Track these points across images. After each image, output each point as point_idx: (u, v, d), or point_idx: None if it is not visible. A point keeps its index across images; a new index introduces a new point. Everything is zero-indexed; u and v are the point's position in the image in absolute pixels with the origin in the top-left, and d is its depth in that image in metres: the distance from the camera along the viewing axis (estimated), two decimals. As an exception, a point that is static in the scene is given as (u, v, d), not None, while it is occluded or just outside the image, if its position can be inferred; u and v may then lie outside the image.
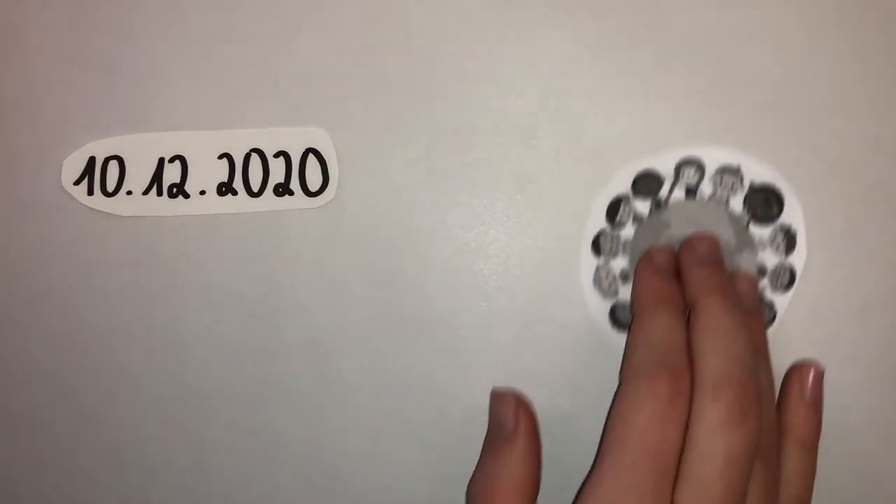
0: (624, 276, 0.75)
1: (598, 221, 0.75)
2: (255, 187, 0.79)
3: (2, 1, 0.80)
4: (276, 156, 0.79)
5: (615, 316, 0.75)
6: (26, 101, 0.80)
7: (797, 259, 0.73)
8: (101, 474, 0.82)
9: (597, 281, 0.75)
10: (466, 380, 0.78)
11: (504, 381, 0.78)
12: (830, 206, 0.74)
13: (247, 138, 0.79)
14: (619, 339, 0.75)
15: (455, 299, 0.78)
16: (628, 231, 0.75)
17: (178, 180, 0.80)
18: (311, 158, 0.79)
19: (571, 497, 0.78)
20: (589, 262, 0.75)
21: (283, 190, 0.79)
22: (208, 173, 0.79)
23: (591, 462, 0.78)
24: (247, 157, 0.79)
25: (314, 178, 0.78)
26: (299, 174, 0.79)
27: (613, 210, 0.74)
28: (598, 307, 0.75)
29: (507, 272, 0.77)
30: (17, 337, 0.82)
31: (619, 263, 0.75)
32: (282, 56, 0.78)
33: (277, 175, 0.79)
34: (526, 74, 0.76)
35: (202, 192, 0.80)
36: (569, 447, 0.78)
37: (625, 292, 0.75)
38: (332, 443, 0.80)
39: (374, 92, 0.77)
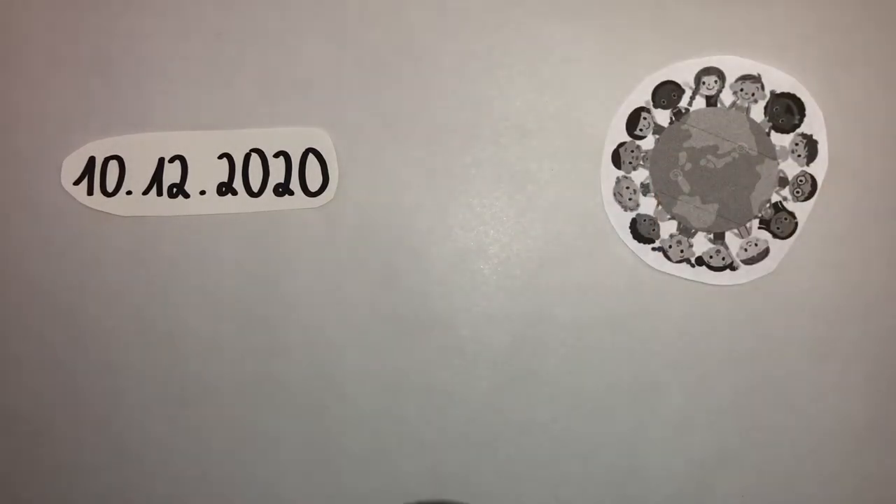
0: (644, 189, 0.74)
1: (619, 134, 0.74)
2: (255, 187, 0.79)
3: (2, 1, 0.80)
4: (276, 156, 0.79)
5: (635, 228, 0.74)
6: (26, 101, 0.80)
7: (818, 168, 0.72)
8: (101, 474, 0.82)
9: (617, 193, 0.74)
10: (466, 380, 0.78)
11: (504, 381, 0.78)
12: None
13: (247, 138, 0.79)
14: (640, 249, 0.75)
15: (455, 299, 0.78)
16: (649, 142, 0.74)
17: (178, 180, 0.80)
18: (311, 158, 0.79)
19: (571, 496, 0.79)
20: (609, 174, 0.74)
21: (283, 190, 0.79)
22: (208, 173, 0.79)
23: (590, 461, 0.78)
24: (247, 157, 0.79)
25: (314, 178, 0.78)
26: (299, 174, 0.79)
27: (633, 121, 0.73)
28: (619, 220, 0.75)
29: (507, 272, 0.77)
30: (17, 337, 0.82)
31: (640, 176, 0.74)
32: (282, 56, 0.78)
33: (277, 175, 0.79)
34: (526, 74, 0.76)
35: (202, 192, 0.80)
36: (567, 446, 0.78)
37: (645, 205, 0.74)
38: (332, 442, 0.80)
39: (374, 92, 0.77)
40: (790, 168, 0.73)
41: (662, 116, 0.73)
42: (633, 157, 0.74)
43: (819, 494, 0.77)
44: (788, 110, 0.72)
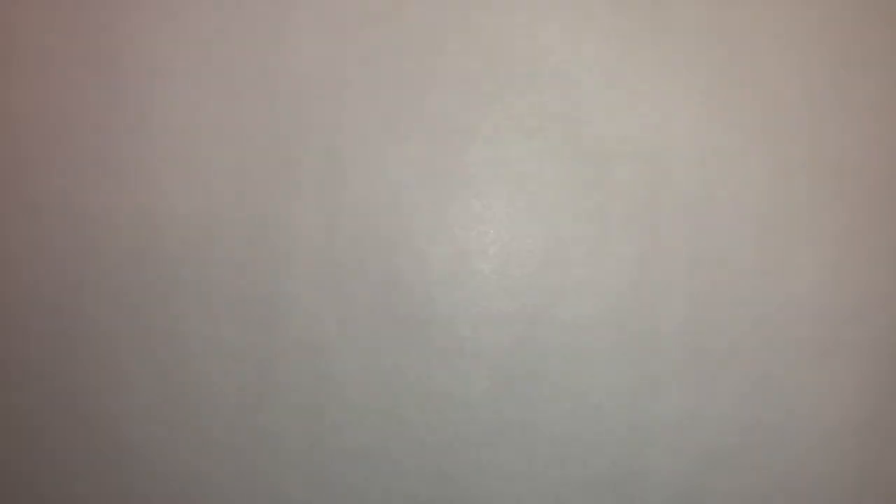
0: None
1: None
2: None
3: (2, 1, 0.80)
4: (276, 156, 0.79)
5: None
6: (26, 101, 0.80)
7: None
8: (101, 474, 0.82)
9: None
10: (466, 380, 0.78)
11: (504, 381, 0.78)
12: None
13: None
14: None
15: (455, 299, 0.78)
16: None
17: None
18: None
19: (571, 496, 0.79)
20: None
21: (282, 190, 0.79)
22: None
23: (590, 461, 0.78)
24: (246, 157, 0.79)
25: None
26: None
27: None
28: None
29: (507, 272, 0.77)
30: (17, 337, 0.82)
31: None
32: (282, 56, 0.78)
33: (277, 175, 0.79)
34: (526, 74, 0.76)
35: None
36: (567, 446, 0.78)
37: None
38: (332, 442, 0.80)
39: (374, 92, 0.77)
40: None
41: None
42: None
43: (819, 494, 0.77)
44: None
